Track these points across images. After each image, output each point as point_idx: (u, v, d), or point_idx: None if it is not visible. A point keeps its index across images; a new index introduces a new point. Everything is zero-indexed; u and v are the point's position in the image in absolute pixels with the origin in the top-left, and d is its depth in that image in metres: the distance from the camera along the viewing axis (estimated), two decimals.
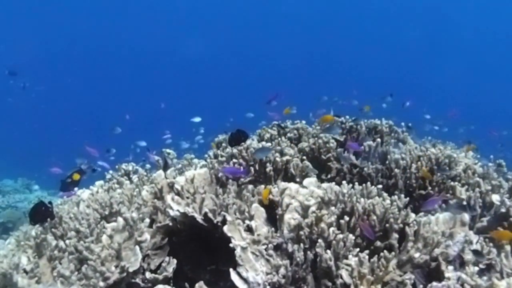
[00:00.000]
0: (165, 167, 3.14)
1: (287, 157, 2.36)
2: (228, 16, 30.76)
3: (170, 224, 2.33)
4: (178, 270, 2.27)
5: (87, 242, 2.22)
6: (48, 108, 21.20)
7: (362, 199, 1.88)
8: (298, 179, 2.35)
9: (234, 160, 2.40)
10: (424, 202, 1.98)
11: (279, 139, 2.60)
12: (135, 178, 3.11)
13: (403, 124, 2.72)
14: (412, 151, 2.21)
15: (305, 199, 1.93)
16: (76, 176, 3.06)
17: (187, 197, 2.38)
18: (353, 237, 1.74)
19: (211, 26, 29.61)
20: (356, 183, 2.01)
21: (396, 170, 2.10)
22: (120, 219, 2.30)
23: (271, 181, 2.33)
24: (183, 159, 3.29)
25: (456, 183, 2.09)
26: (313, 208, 1.97)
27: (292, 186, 2.13)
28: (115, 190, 2.95)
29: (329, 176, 2.43)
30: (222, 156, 2.55)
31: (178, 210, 2.20)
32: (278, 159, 2.34)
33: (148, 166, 3.28)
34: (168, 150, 3.10)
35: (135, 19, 29.49)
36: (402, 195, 1.89)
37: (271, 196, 2.12)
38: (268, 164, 2.33)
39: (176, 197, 2.35)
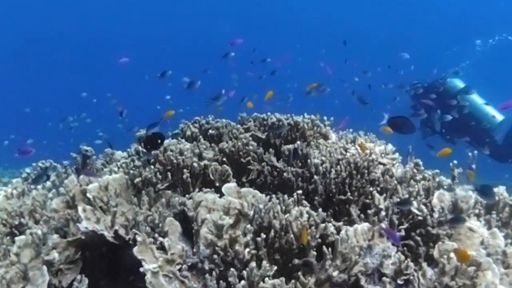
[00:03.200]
0: (84, 165, 2.83)
1: (205, 162, 2.14)
2: None
3: (83, 237, 2.08)
4: (93, 285, 2.05)
5: None
6: None
7: (279, 214, 1.70)
8: (218, 184, 2.13)
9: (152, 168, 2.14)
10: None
11: (199, 140, 2.36)
12: (53, 176, 2.78)
13: (325, 117, 2.53)
14: (332, 153, 2.04)
15: (219, 217, 1.72)
16: None
17: (100, 207, 2.12)
18: (267, 264, 1.56)
19: None
20: (274, 196, 1.83)
21: (316, 177, 1.92)
22: (27, 233, 2.04)
23: (189, 187, 2.10)
24: (104, 154, 2.97)
25: (375, 188, 1.94)
26: (230, 222, 1.77)
27: (209, 196, 1.91)
28: (30, 191, 2.64)
29: (250, 178, 2.22)
30: (139, 160, 2.30)
31: (86, 227, 1.94)
32: (195, 164, 2.10)
33: (66, 162, 2.94)
34: (85, 147, 2.75)
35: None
36: (320, 209, 1.72)
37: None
38: (185, 170, 2.09)
39: (88, 208, 2.08)
